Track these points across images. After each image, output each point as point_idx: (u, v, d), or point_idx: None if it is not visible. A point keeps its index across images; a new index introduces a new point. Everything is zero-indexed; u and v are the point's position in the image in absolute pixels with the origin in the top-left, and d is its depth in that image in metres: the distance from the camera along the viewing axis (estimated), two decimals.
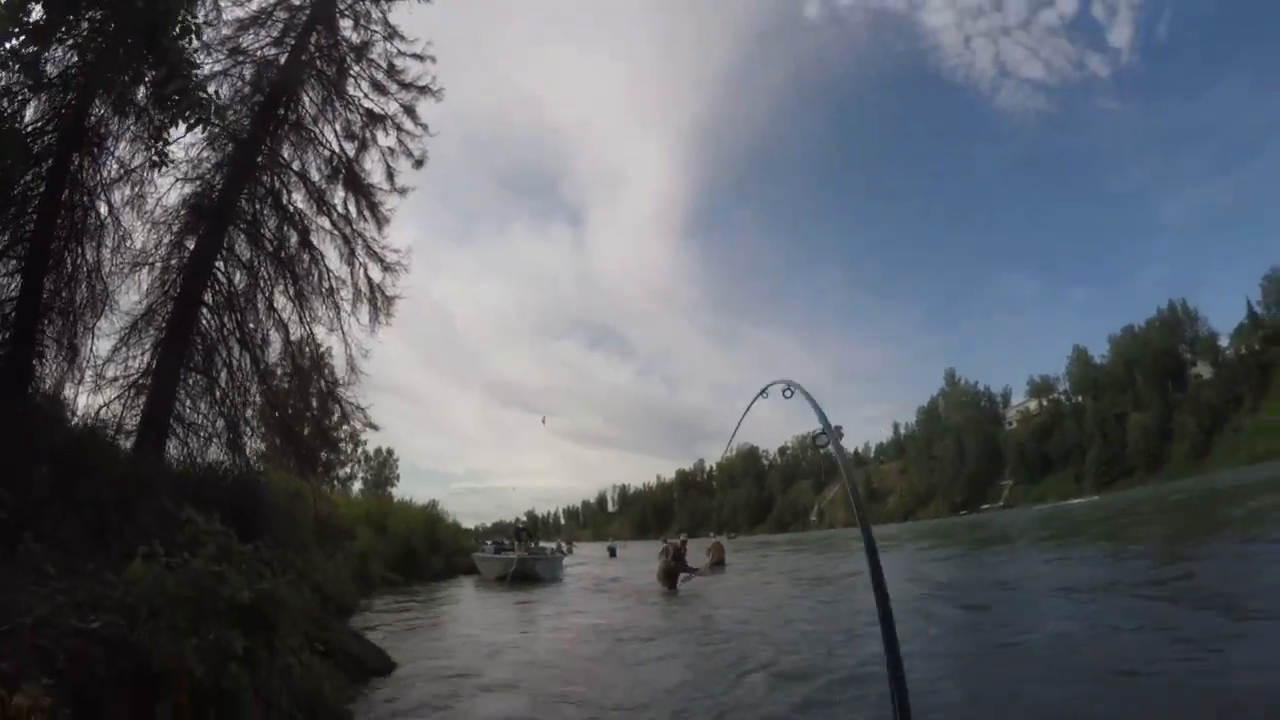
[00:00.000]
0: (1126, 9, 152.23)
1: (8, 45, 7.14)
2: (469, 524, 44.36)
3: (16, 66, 7.77)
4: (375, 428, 14.59)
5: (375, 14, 14.79)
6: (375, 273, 14.61)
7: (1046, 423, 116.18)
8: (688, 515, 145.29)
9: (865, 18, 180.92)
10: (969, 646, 9.62)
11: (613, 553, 37.21)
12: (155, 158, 8.98)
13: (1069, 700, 6.79)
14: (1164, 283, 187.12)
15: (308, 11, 14.16)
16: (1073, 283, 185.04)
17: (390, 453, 65.84)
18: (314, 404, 14.38)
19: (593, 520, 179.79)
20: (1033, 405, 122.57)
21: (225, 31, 13.28)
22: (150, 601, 5.02)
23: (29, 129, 10.58)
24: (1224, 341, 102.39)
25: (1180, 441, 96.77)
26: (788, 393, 4.11)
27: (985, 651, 9.22)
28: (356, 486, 43.49)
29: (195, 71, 7.94)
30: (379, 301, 14.51)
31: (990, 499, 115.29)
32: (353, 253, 14.43)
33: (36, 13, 6.71)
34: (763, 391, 4.46)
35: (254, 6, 13.71)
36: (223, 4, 12.96)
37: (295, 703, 5.62)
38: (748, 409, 4.72)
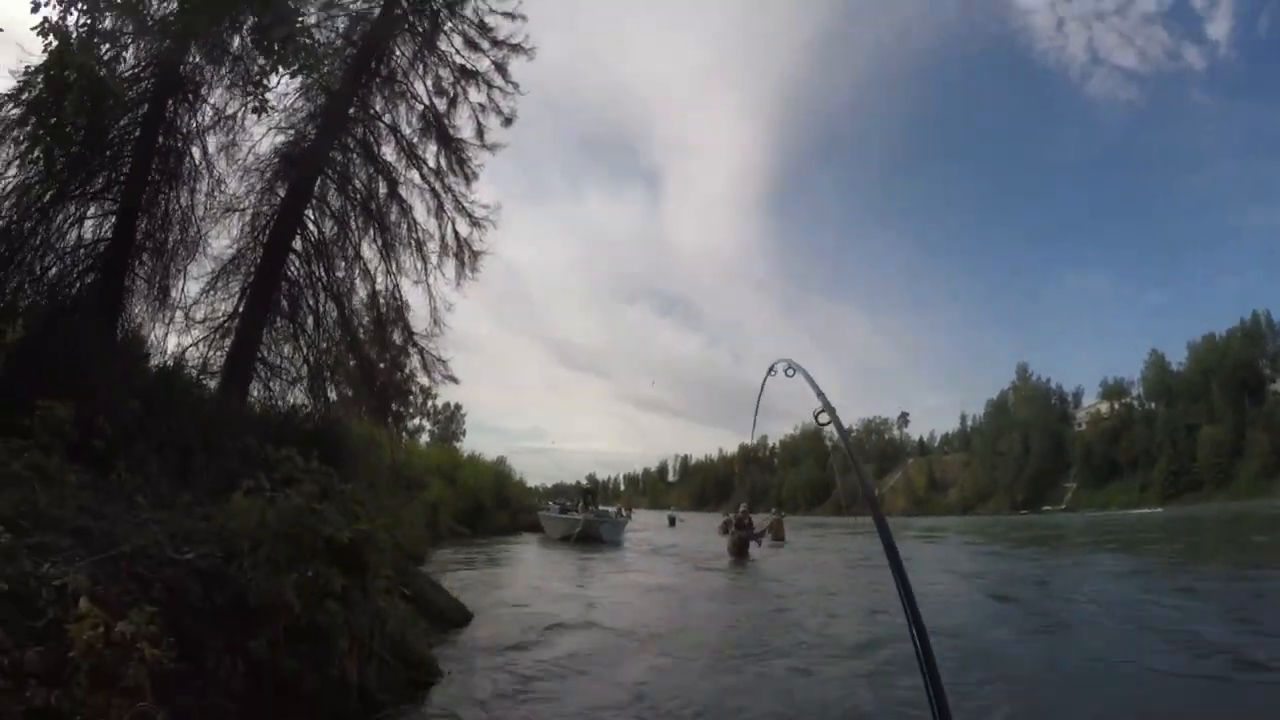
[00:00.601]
0: (1227, 0, 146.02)
1: None
2: (532, 483, 44.78)
3: (118, 11, 7.78)
4: (455, 380, 14.65)
5: None
6: (463, 227, 14.63)
7: (1116, 426, 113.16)
8: (747, 490, 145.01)
9: None
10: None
11: (672, 522, 37.32)
12: (256, 104, 8.97)
13: None
14: (1246, 292, 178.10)
15: None
16: (1151, 283, 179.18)
17: (458, 407, 66.82)
18: (392, 354, 14.44)
19: (652, 488, 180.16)
20: (1104, 407, 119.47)
21: None
22: (251, 535, 5.00)
23: (127, 74, 10.72)
24: None
25: (1251, 459, 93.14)
26: (789, 371, 3.91)
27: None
28: (424, 438, 44.04)
29: (299, 19, 7.92)
30: (465, 256, 14.53)
31: (1052, 500, 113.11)
32: (441, 207, 14.44)
33: None
34: (771, 370, 4.27)
35: None
36: None
37: (385, 645, 5.60)
38: (761, 388, 4.54)
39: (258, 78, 9.34)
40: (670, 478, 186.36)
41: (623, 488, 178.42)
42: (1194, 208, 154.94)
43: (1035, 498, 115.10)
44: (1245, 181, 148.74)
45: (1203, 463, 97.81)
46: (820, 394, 3.55)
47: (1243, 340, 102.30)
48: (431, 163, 14.48)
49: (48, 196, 10.37)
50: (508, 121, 14.92)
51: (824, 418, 3.51)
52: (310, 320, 13.18)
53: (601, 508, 31.92)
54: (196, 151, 12.14)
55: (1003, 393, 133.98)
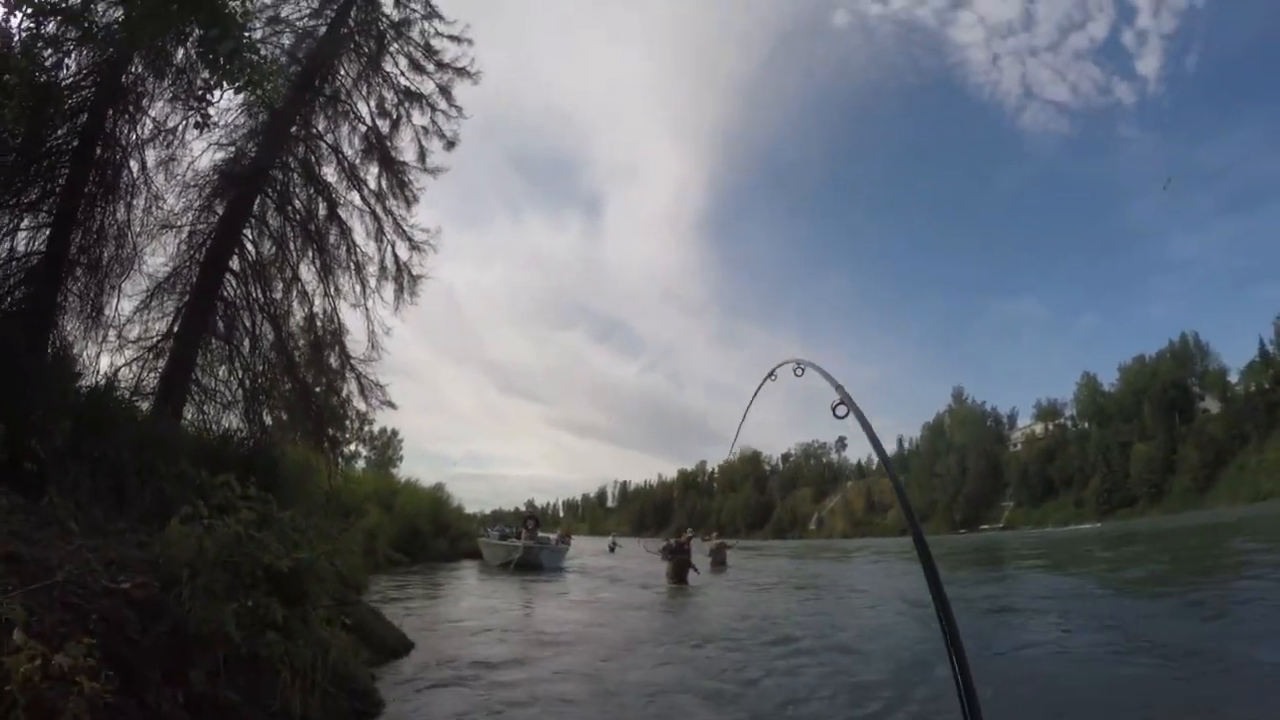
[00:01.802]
0: (1157, 38, 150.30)
1: None
2: (470, 509, 44.33)
3: (63, 17, 7.63)
4: (394, 406, 14.53)
5: None
6: (403, 251, 14.62)
7: (1051, 447, 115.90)
8: (687, 515, 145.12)
9: (894, 29, 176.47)
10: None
11: (613, 548, 37.34)
12: (198, 118, 8.81)
13: None
14: (1174, 317, 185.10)
15: None
16: (1082, 309, 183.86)
17: (395, 432, 66.16)
18: (329, 378, 14.25)
19: (591, 514, 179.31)
20: (1038, 428, 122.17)
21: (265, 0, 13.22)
22: (189, 563, 4.88)
23: (68, 82, 10.52)
24: (1234, 378, 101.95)
25: (1183, 474, 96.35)
26: (798, 370, 3.91)
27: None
28: (360, 464, 43.45)
29: (247, 34, 7.84)
30: (405, 280, 14.52)
31: (990, 520, 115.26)
32: (381, 229, 14.41)
33: None
34: (771, 374, 4.30)
35: None
36: None
37: (327, 675, 5.49)
38: (756, 392, 4.56)
39: (200, 91, 9.15)
40: (609, 503, 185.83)
41: (561, 514, 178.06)
42: (1123, 236, 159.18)
43: (973, 517, 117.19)
44: (1172, 212, 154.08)
45: (1136, 478, 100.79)
46: (838, 386, 3.50)
47: (1172, 361, 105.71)
48: (373, 184, 14.49)
49: None
50: (450, 145, 15.03)
51: (841, 410, 3.48)
52: (246, 342, 12.95)
53: (541, 534, 31.79)
54: (135, 165, 11.88)
55: (939, 416, 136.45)
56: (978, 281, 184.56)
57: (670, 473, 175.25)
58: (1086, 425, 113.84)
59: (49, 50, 8.34)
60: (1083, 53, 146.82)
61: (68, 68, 10.36)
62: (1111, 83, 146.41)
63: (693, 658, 9.79)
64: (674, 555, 21.44)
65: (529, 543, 26.84)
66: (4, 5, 6.50)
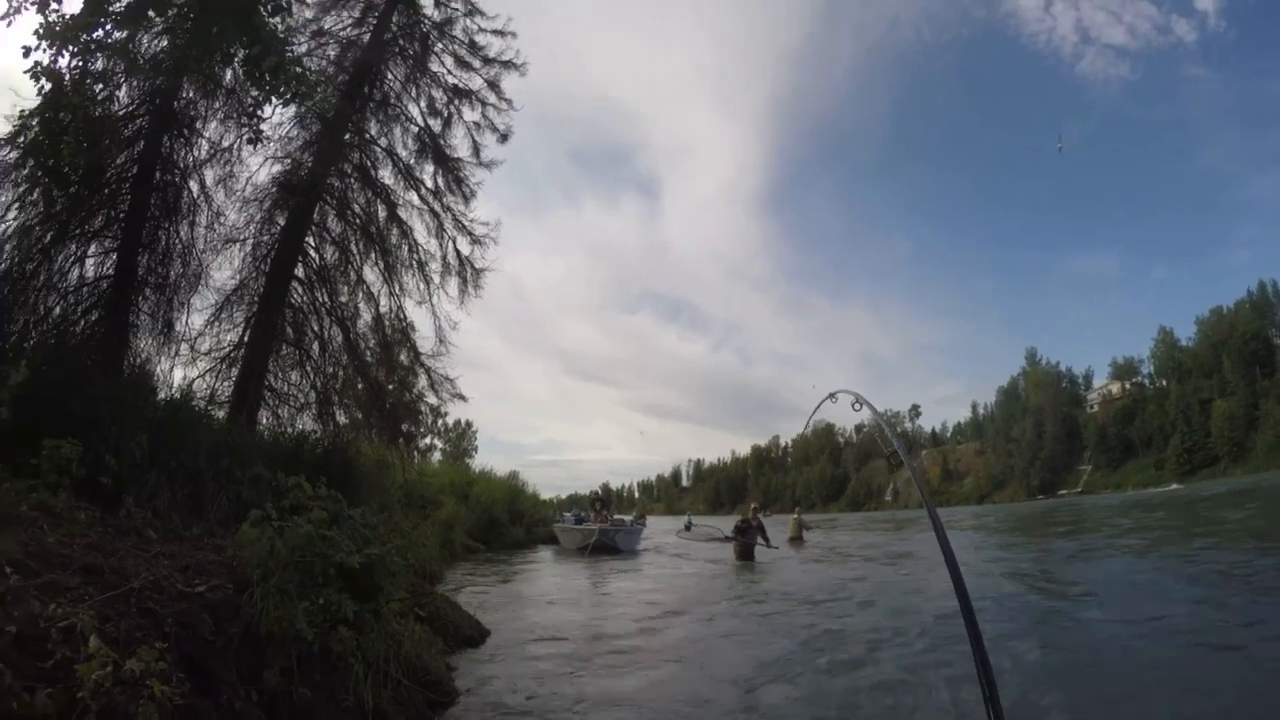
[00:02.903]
0: None
1: (99, 32, 7.20)
2: (546, 495, 44.73)
3: (109, 52, 7.84)
4: (464, 398, 14.73)
5: None
6: (464, 246, 14.75)
7: (1129, 406, 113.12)
8: (761, 491, 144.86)
9: None
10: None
11: (688, 526, 37.28)
12: (251, 134, 8.99)
13: None
14: (1253, 264, 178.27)
15: None
16: (1156, 260, 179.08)
17: (469, 424, 67.19)
18: (399, 375, 14.49)
19: (666, 494, 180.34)
20: (1115, 388, 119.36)
21: (307, 14, 13.46)
22: (261, 564, 5.02)
23: (121, 113, 10.83)
24: None
25: (1266, 431, 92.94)
26: (856, 406, 3.96)
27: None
28: (436, 457, 44.14)
29: (289, 48, 7.97)
30: (468, 274, 14.65)
31: (1068, 484, 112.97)
32: (441, 226, 14.56)
33: (118, 3, 6.73)
34: (831, 396, 4.40)
35: None
36: None
37: (400, 668, 5.60)
38: (815, 410, 4.63)
39: (251, 109, 9.37)
40: (684, 482, 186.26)
41: (637, 495, 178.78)
42: (1195, 181, 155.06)
43: (1051, 482, 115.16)
44: (1245, 152, 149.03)
45: (1217, 437, 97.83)
46: (893, 434, 3.58)
47: (1251, 312, 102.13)
48: (429, 183, 14.63)
49: (48, 237, 10.47)
50: (504, 138, 15.12)
51: (895, 458, 3.56)
52: (316, 346, 13.24)
53: (617, 516, 31.85)
54: (194, 185, 12.23)
55: (1013, 379, 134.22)
56: (1046, 237, 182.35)
57: (744, 449, 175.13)
58: (1164, 383, 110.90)
59: (99, 85, 8.57)
60: None
61: (119, 99, 10.68)
62: (1170, 21, 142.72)
63: (763, 643, 9.73)
64: (742, 535, 21.38)
65: (604, 525, 26.86)
66: (51, 46, 6.68)
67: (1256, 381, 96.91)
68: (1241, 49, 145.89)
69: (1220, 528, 22.16)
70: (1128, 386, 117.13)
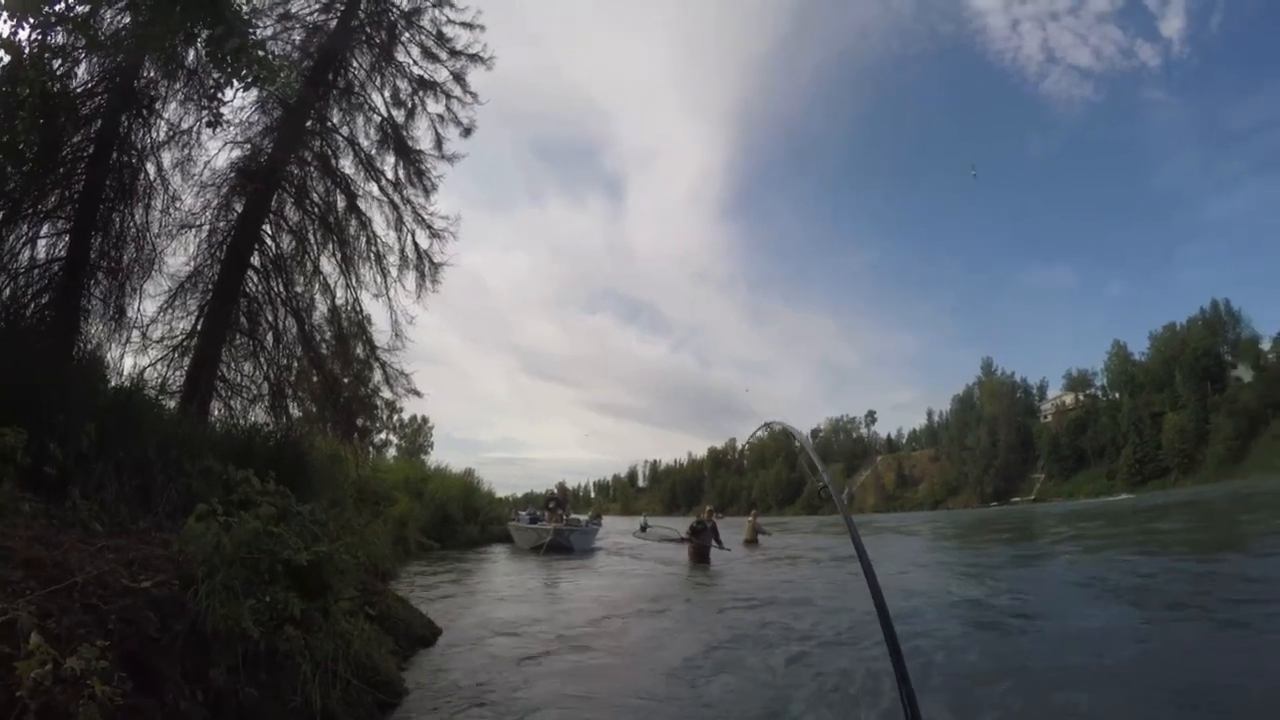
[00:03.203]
0: None
1: (60, 5, 7.04)
2: (501, 493, 44.56)
3: (70, 26, 7.67)
4: (419, 394, 14.61)
5: None
6: (423, 239, 14.68)
7: (1082, 418, 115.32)
8: (718, 493, 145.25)
9: None
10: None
11: (644, 528, 37.31)
12: (210, 117, 8.84)
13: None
14: (1205, 283, 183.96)
15: None
16: (1112, 276, 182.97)
17: (425, 420, 66.85)
18: (355, 369, 14.35)
19: (622, 494, 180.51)
20: (1069, 399, 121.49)
21: None
22: (207, 560, 4.93)
23: (80, 90, 10.61)
24: (1266, 345, 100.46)
25: (1216, 444, 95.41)
26: (797, 445, 4.10)
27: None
28: (391, 453, 43.78)
29: (253, 31, 7.85)
30: (426, 268, 14.57)
31: (1021, 492, 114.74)
32: (400, 219, 14.46)
33: None
34: (765, 425, 4.76)
35: None
36: None
37: (349, 667, 5.54)
38: (750, 436, 4.83)
39: (212, 91, 9.27)
40: (640, 483, 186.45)
41: (593, 494, 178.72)
42: (1153, 200, 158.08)
43: (1005, 490, 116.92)
44: (1202, 174, 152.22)
45: (1168, 449, 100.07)
46: (822, 468, 3.65)
47: (1203, 329, 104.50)
48: (390, 175, 14.52)
49: (0, 215, 10.22)
50: (467, 132, 15.02)
51: (823, 488, 3.61)
52: (270, 336, 13.07)
53: (573, 515, 31.79)
54: (151, 168, 12.04)
55: (968, 388, 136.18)
56: (1005, 251, 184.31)
57: (700, 451, 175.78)
58: (1117, 395, 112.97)
59: (59, 60, 8.39)
60: (1104, 15, 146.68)
61: (78, 76, 10.45)
62: (1135, 45, 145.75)
63: (711, 640, 9.76)
64: (696, 536, 21.43)
65: (559, 525, 26.79)
66: (11, 18, 6.51)
67: (1207, 396, 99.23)
68: (1203, 75, 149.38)
69: (1156, 538, 22.64)
70: (1081, 398, 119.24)
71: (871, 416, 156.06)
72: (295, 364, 13.37)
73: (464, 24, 14.86)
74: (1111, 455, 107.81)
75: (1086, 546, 21.58)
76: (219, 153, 12.92)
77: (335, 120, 14.25)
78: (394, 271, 14.32)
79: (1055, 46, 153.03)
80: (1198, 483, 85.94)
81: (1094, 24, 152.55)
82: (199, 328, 12.41)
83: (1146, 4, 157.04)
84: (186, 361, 12.23)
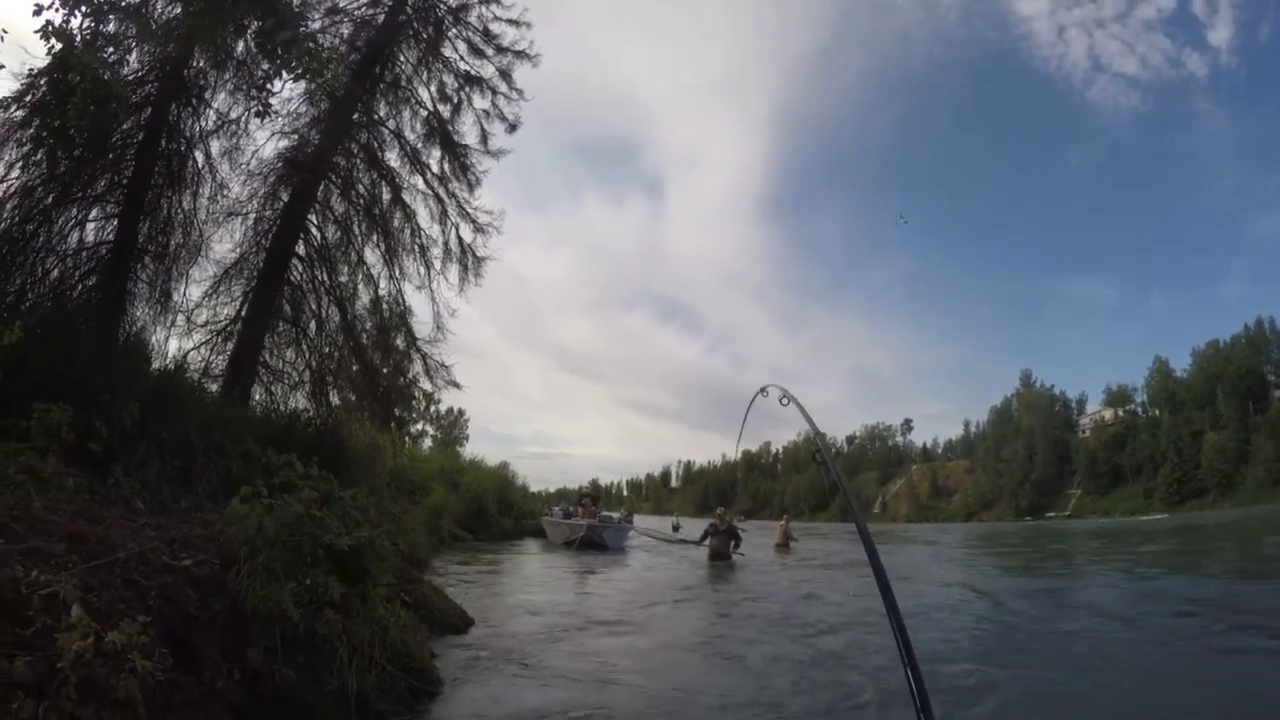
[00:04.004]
0: (1228, 7, 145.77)
1: None
2: (535, 487, 44.60)
3: (122, 15, 7.74)
4: (459, 386, 14.63)
5: None
6: (466, 233, 14.73)
7: (1120, 434, 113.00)
8: (750, 496, 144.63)
9: (955, 1, 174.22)
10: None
11: (676, 528, 37.20)
12: (259, 107, 8.90)
13: None
14: (1250, 300, 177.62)
15: None
16: (1155, 291, 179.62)
17: (461, 412, 67.16)
18: (395, 359, 14.40)
19: (655, 493, 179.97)
20: (1108, 414, 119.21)
21: None
22: (249, 542, 4.93)
23: (131, 78, 10.73)
24: None
25: (1256, 465, 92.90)
26: (784, 401, 3.96)
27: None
28: (426, 443, 44.03)
29: (303, 23, 7.88)
30: (469, 262, 14.65)
31: (1057, 507, 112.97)
32: (445, 212, 14.53)
33: None
34: (763, 391, 4.43)
35: None
36: None
37: (385, 653, 5.51)
38: (749, 407, 4.72)
39: (261, 82, 9.35)
40: (673, 483, 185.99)
41: (625, 493, 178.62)
42: (1198, 214, 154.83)
43: (1039, 504, 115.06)
44: (1248, 189, 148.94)
45: (1207, 469, 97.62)
46: (814, 428, 3.61)
47: (1247, 347, 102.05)
48: (435, 168, 14.59)
49: (50, 199, 10.44)
50: (512, 128, 15.08)
51: (819, 456, 3.58)
52: (313, 324, 13.18)
53: (605, 513, 31.76)
54: (199, 155, 12.23)
55: (1006, 399, 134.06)
56: (1046, 262, 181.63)
57: (734, 452, 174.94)
58: (1157, 412, 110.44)
59: (110, 48, 8.48)
60: (1152, 23, 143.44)
61: (130, 64, 10.56)
62: (1183, 54, 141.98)
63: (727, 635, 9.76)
64: (711, 541, 21.58)
65: (592, 522, 26.75)
66: (64, 6, 6.56)
67: (1249, 416, 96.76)
68: (1251, 87, 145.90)
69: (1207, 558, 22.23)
70: (1120, 414, 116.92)
71: (908, 425, 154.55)
72: (336, 352, 13.44)
73: (510, 21, 14.90)
74: (1149, 473, 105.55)
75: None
76: (266, 142, 13.11)
77: (382, 113, 14.35)
78: (437, 264, 14.41)
79: (1102, 54, 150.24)
80: (1236, 504, 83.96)
81: (1141, 31, 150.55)
82: (243, 314, 12.56)
83: (1195, 12, 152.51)
84: (229, 346, 12.40)
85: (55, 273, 10.61)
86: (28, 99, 9.46)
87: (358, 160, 14.06)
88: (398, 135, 14.39)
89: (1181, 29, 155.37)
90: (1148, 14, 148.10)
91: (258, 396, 12.40)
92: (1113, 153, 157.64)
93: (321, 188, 13.38)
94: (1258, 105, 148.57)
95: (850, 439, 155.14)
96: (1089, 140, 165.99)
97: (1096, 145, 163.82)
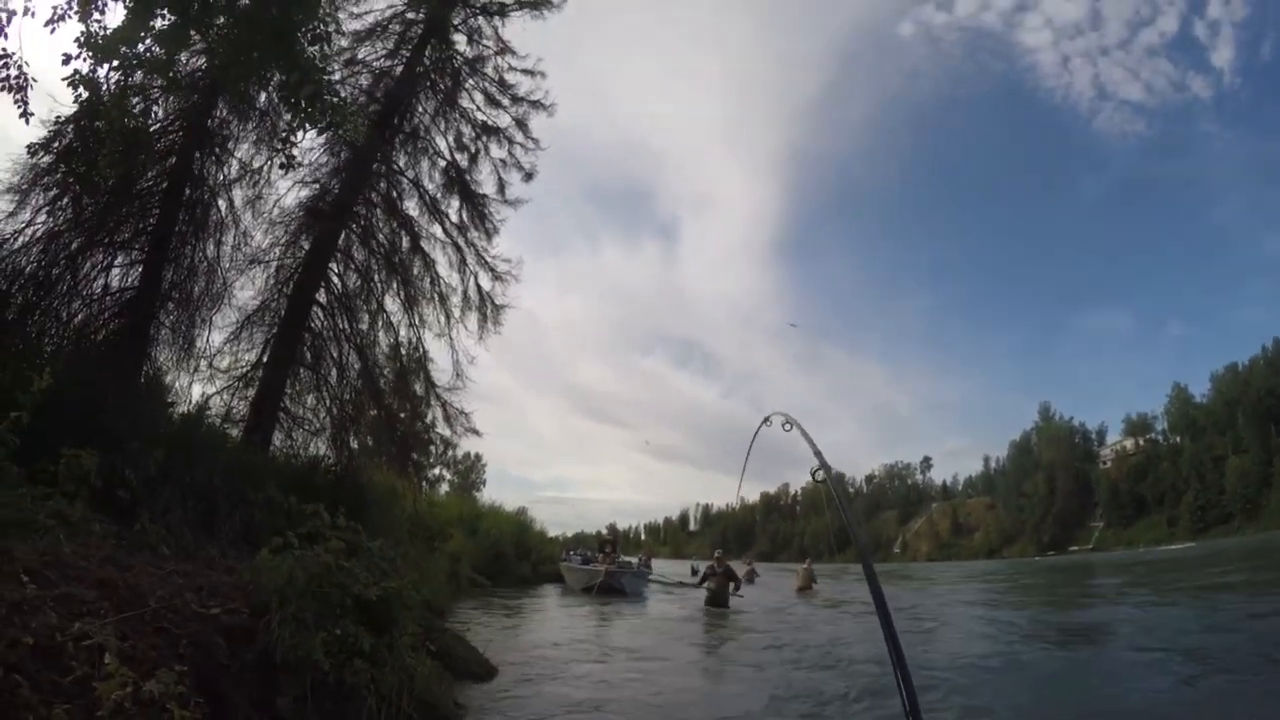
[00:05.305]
0: (1229, 28, 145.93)
1: (140, 46, 7.24)
2: (553, 532, 44.30)
3: (148, 67, 7.90)
4: (478, 433, 14.73)
5: (488, 29, 15.05)
6: (485, 281, 14.87)
7: (1142, 463, 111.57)
8: (769, 539, 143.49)
9: (960, 36, 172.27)
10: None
11: (694, 572, 36.93)
12: (283, 160, 9.02)
13: None
14: (1267, 322, 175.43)
15: (422, 26, 14.42)
16: (1172, 317, 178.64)
17: (479, 457, 66.86)
18: (414, 405, 14.45)
19: (673, 537, 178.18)
20: (1129, 444, 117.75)
21: (342, 43, 13.60)
22: (279, 592, 4.95)
23: (156, 127, 10.93)
24: None
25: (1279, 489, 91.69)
26: (786, 426, 4.00)
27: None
28: (444, 488, 43.95)
29: (326, 77, 8.02)
30: (488, 309, 14.76)
31: (1080, 540, 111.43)
32: (464, 261, 14.69)
33: (161, 21, 6.72)
34: (766, 421, 4.62)
35: (370, 20, 14.10)
36: (341, 16, 13.29)
37: (412, 702, 5.50)
38: (753, 438, 4.80)
39: (284, 134, 9.45)
40: (692, 526, 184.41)
41: (643, 537, 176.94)
42: (1209, 237, 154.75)
43: (1062, 538, 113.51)
44: (1258, 209, 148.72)
45: (1231, 494, 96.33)
46: (818, 452, 3.67)
47: (1266, 369, 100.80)
48: (454, 217, 14.78)
49: (75, 244, 10.60)
50: (528, 176, 15.31)
51: (820, 474, 3.61)
52: (333, 371, 13.27)
53: (623, 558, 31.49)
54: (223, 204, 12.45)
55: (1025, 433, 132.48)
56: (1062, 293, 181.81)
57: (753, 495, 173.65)
58: (1178, 439, 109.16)
59: (137, 98, 8.64)
60: (1155, 48, 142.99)
61: (155, 114, 10.78)
62: (1186, 78, 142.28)
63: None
64: (709, 583, 20.89)
65: (610, 567, 26.53)
66: (93, 58, 6.71)
67: (1271, 439, 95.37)
68: (1255, 106, 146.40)
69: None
70: (1141, 443, 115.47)
71: (927, 463, 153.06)
72: (356, 398, 13.51)
73: (526, 70, 15.12)
74: (1173, 501, 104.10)
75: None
76: (288, 192, 13.37)
77: (401, 163, 14.57)
78: (457, 312, 14.52)
79: (1106, 82, 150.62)
80: (1262, 529, 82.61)
81: (1145, 57, 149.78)
82: (264, 360, 12.71)
83: (1197, 35, 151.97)
84: (251, 392, 12.53)
85: (80, 317, 10.78)
86: (55, 145, 9.62)
87: (377, 209, 14.24)
88: (416, 184, 14.60)
89: (1184, 53, 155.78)
90: (1150, 39, 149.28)
91: (278, 442, 12.47)
92: (1121, 181, 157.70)
93: (342, 236, 13.55)
94: (1261, 123, 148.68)
95: (870, 478, 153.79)
96: (1098, 169, 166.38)
97: (1105, 174, 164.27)
